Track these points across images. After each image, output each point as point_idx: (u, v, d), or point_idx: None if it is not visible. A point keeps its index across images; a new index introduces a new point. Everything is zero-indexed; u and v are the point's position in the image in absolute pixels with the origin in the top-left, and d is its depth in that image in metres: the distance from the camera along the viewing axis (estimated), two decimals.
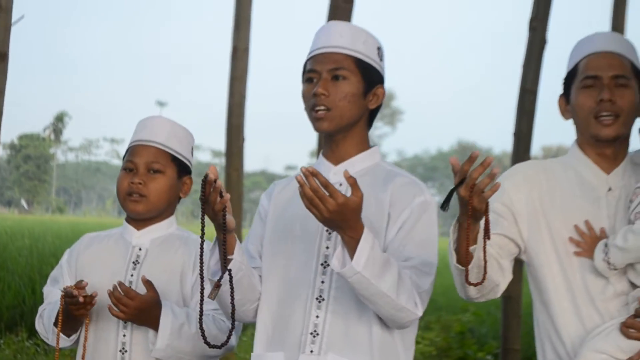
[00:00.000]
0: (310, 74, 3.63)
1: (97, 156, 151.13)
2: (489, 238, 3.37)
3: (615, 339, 3.53)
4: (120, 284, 3.85)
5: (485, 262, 3.42)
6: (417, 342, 13.26)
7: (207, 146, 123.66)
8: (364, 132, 3.71)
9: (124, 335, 4.01)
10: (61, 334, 4.01)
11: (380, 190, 3.59)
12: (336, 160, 3.69)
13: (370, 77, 3.65)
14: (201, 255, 3.42)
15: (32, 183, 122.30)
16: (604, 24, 10.71)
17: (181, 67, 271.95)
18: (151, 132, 4.14)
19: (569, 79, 3.81)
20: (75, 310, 3.87)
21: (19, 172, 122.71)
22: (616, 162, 3.74)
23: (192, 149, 4.24)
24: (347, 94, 3.58)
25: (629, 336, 3.50)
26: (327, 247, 3.57)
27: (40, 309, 4.17)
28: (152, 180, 4.06)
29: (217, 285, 3.48)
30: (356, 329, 3.52)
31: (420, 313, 3.45)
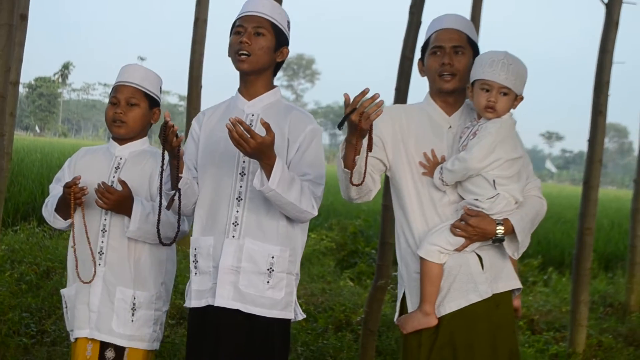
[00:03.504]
0: (238, 29, 3.71)
1: (93, 96, 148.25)
2: (370, 150, 3.48)
3: (446, 236, 3.63)
4: (104, 183, 3.91)
5: (366, 167, 3.54)
6: (322, 239, 13.47)
7: (174, 92, 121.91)
8: (270, 77, 3.81)
9: (105, 219, 4.03)
10: (58, 217, 4.07)
11: (282, 120, 3.68)
12: (249, 97, 3.78)
13: (280, 38, 3.75)
14: (161, 179, 3.59)
15: (44, 114, 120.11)
16: (465, 13, 10.70)
17: (157, 32, 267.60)
18: (129, 75, 4.13)
19: (424, 48, 3.87)
20: (73, 200, 3.90)
21: (34, 105, 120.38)
22: (456, 107, 3.81)
23: (160, 87, 4.23)
24: (263, 46, 3.68)
25: (455, 234, 3.62)
26: (244, 161, 3.67)
27: (46, 200, 4.18)
28: (130, 110, 4.08)
29: (172, 199, 3.64)
30: (266, 221, 3.64)
31: (315, 213, 3.61)
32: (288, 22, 3.82)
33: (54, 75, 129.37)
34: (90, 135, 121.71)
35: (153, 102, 4.17)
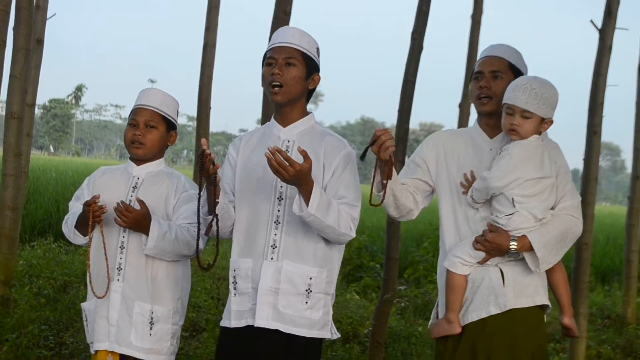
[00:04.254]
0: (269, 60, 3.70)
1: (105, 116, 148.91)
2: (389, 179, 3.65)
3: (467, 249, 3.72)
4: (122, 202, 3.91)
5: (384, 193, 3.70)
6: None
7: (183, 113, 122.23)
8: (304, 104, 3.80)
9: (123, 237, 4.05)
10: (78, 233, 4.08)
11: (317, 146, 3.69)
12: (284, 124, 3.78)
13: (311, 66, 3.74)
14: (198, 204, 3.59)
15: (58, 134, 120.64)
16: (464, 38, 10.75)
17: (166, 56, 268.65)
18: (149, 98, 4.15)
19: (472, 75, 3.96)
20: (92, 218, 3.92)
21: (49, 126, 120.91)
22: (498, 130, 3.86)
23: (177, 111, 4.25)
24: (295, 76, 3.68)
25: (476, 248, 3.69)
26: (281, 186, 3.66)
27: (65, 217, 4.20)
28: (148, 133, 4.11)
29: (210, 225, 3.65)
30: (303, 244, 3.64)
31: (353, 234, 3.63)
32: (317, 49, 3.82)
33: (68, 96, 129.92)
34: (102, 155, 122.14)
35: (170, 125, 4.19)
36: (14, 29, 7.85)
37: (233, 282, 3.73)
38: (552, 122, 3.73)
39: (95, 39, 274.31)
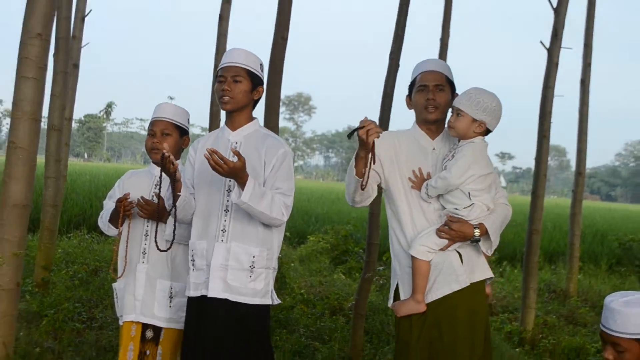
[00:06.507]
0: (220, 78, 3.80)
1: (131, 128, 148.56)
2: (374, 163, 3.56)
3: (433, 238, 3.66)
4: (142, 197, 3.99)
5: (368, 175, 3.59)
6: (319, 242, 13.46)
7: (197, 124, 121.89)
8: (250, 111, 3.88)
9: (147, 226, 4.09)
10: (112, 226, 4.12)
11: (259, 145, 3.78)
12: (233, 128, 3.87)
13: (255, 81, 3.83)
14: (159, 194, 3.76)
15: (92, 144, 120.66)
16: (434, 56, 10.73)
17: (184, 74, 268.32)
18: (163, 111, 4.17)
19: (411, 86, 3.90)
20: (123, 212, 3.99)
21: (84, 137, 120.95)
22: (438, 133, 3.84)
23: (188, 119, 4.26)
24: (242, 90, 3.77)
25: (441, 237, 3.64)
26: (230, 180, 3.75)
27: (100, 213, 4.23)
28: (165, 140, 4.10)
29: (169, 213, 3.77)
30: (248, 228, 3.72)
31: (285, 219, 3.71)
32: (261, 65, 3.89)
33: (100, 112, 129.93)
34: (129, 160, 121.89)
35: (183, 132, 4.20)
36: (54, 55, 7.88)
37: (191, 260, 3.82)
38: (485, 126, 3.67)
39: (123, 63, 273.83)
